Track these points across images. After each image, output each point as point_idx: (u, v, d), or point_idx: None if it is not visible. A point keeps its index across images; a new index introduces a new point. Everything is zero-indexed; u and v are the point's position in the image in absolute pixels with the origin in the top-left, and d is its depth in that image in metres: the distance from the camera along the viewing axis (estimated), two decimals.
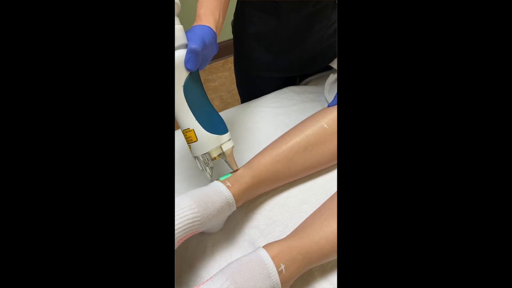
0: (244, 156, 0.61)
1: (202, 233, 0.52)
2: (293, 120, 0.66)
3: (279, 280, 0.40)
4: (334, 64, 0.78)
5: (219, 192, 0.47)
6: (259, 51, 0.78)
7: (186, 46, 0.46)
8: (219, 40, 0.50)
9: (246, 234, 0.52)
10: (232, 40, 0.84)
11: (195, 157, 0.51)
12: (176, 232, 0.41)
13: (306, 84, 0.86)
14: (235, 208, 0.50)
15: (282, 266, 0.41)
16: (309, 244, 0.44)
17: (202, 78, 0.51)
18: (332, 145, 0.56)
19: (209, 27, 0.48)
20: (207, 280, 0.40)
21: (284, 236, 0.48)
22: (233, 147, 0.52)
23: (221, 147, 0.50)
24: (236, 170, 0.52)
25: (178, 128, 0.53)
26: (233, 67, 0.92)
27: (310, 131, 0.56)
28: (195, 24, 0.48)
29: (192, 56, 0.45)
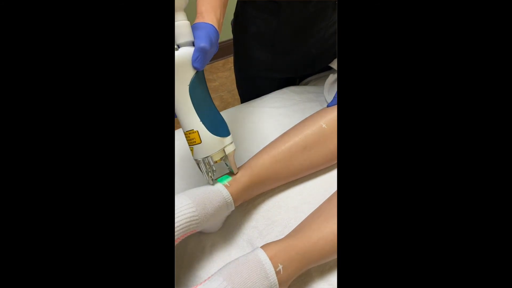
0: (243, 156, 0.61)
1: (201, 233, 0.52)
2: (292, 120, 0.66)
3: (277, 280, 0.40)
4: (334, 65, 0.78)
5: (217, 192, 0.47)
6: (259, 51, 0.78)
7: (192, 43, 0.44)
8: (219, 40, 0.49)
9: (245, 234, 0.52)
10: (232, 40, 0.84)
11: (196, 160, 0.49)
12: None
13: (306, 84, 0.86)
14: (233, 208, 0.49)
15: (280, 267, 0.41)
16: (307, 244, 0.44)
17: None
18: (331, 145, 0.56)
19: (212, 25, 0.47)
20: (205, 280, 0.40)
21: (283, 236, 0.48)
22: (234, 150, 0.50)
23: (224, 150, 0.48)
24: (236, 174, 0.51)
25: (178, 128, 0.52)
26: (233, 67, 0.92)
27: (309, 131, 0.56)
28: (196, 21, 0.47)
29: (201, 55, 0.43)
